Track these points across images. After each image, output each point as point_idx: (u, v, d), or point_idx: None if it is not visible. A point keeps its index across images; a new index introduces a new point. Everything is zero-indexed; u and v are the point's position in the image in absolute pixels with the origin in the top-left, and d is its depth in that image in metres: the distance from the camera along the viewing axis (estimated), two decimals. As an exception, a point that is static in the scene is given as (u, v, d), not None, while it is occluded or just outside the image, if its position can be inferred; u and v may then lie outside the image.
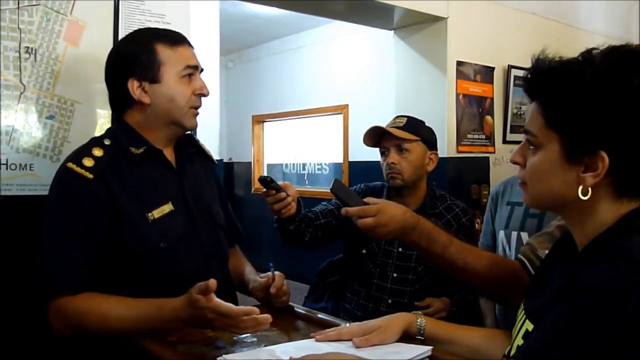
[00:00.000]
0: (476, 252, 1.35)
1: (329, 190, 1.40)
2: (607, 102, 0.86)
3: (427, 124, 2.19)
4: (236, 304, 1.59)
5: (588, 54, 0.91)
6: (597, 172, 0.88)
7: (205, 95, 1.52)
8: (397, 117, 2.18)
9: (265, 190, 1.70)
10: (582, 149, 0.88)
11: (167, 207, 1.45)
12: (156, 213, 1.42)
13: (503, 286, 1.27)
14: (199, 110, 1.53)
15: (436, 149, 2.17)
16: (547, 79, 0.92)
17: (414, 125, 2.11)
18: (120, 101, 1.49)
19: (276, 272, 1.55)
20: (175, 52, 1.47)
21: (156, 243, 1.40)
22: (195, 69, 1.50)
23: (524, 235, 2.03)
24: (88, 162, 1.38)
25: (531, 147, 0.96)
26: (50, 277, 1.34)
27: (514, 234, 2.06)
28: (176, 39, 1.50)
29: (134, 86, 1.44)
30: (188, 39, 1.54)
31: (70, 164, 1.38)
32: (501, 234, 2.13)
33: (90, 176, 1.37)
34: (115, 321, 1.31)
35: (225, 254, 1.64)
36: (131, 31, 1.56)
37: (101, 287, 1.38)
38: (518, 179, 2.25)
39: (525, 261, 1.28)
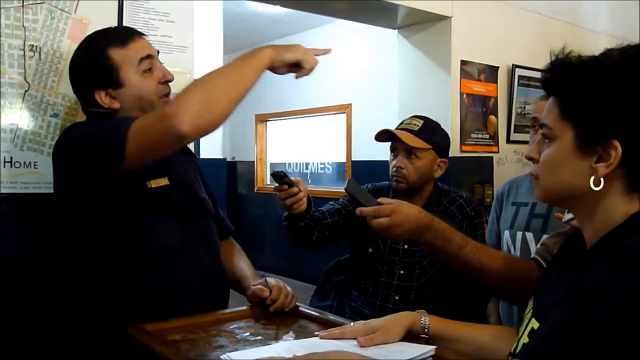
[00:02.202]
0: (491, 252, 1.34)
1: (344, 190, 1.41)
2: (622, 92, 0.87)
3: (442, 128, 2.16)
4: (227, 298, 1.60)
5: (608, 52, 0.92)
6: (609, 162, 0.88)
7: (170, 81, 1.52)
8: (414, 117, 2.13)
9: (277, 185, 1.70)
10: (596, 138, 0.88)
11: (164, 181, 1.46)
12: (153, 183, 1.44)
13: (518, 286, 1.26)
14: (168, 98, 1.52)
15: (447, 156, 2.14)
16: (565, 74, 0.93)
17: (429, 132, 2.07)
18: (94, 109, 1.50)
19: (271, 281, 1.52)
20: (127, 50, 1.47)
21: (151, 207, 1.41)
22: (150, 57, 1.50)
23: (529, 236, 2.02)
24: None
25: (546, 141, 0.96)
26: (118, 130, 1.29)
27: (519, 234, 2.05)
28: (125, 37, 1.50)
29: (101, 96, 1.46)
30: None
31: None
32: (506, 234, 2.12)
33: None
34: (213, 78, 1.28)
35: (213, 240, 1.62)
36: (82, 40, 1.55)
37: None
38: (523, 179, 2.24)
39: (541, 261, 1.27)
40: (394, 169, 2.06)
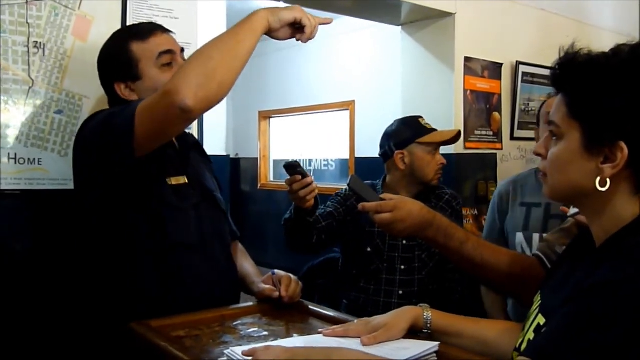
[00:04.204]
0: (493, 248, 1.34)
1: (347, 185, 1.41)
2: (630, 93, 0.86)
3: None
4: (238, 292, 1.62)
5: (617, 48, 0.91)
6: (615, 163, 0.87)
7: None
8: (422, 118, 2.22)
9: (290, 177, 1.69)
10: (602, 139, 0.88)
11: (183, 179, 1.49)
12: (174, 180, 1.47)
13: (520, 282, 1.26)
14: None
15: None
16: (574, 71, 0.93)
17: None
18: (116, 103, 1.52)
19: (280, 273, 1.54)
20: (148, 44, 1.50)
21: (172, 202, 1.44)
22: (171, 52, 1.51)
23: None
24: None
25: (554, 138, 0.96)
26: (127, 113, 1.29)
27: (536, 236, 2.01)
28: (147, 31, 1.52)
29: (121, 89, 1.49)
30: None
31: None
32: (519, 237, 2.08)
33: None
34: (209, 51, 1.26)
35: (226, 238, 1.65)
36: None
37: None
38: (526, 178, 2.23)
39: (543, 257, 1.27)
40: (440, 165, 2.16)
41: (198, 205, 1.52)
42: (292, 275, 1.55)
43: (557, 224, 1.96)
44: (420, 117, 2.22)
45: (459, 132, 2.19)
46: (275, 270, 1.56)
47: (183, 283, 1.44)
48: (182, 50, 1.56)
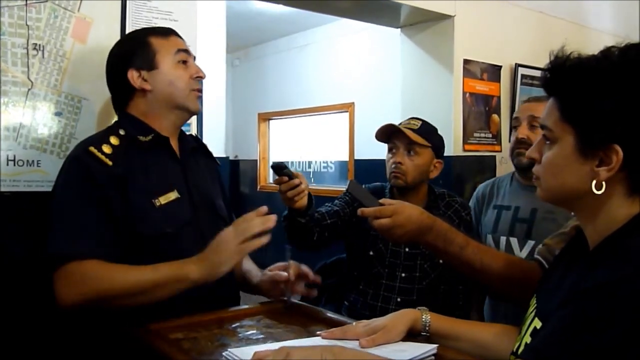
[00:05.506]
0: (492, 252, 1.34)
1: (346, 191, 1.41)
2: (622, 95, 0.86)
3: (439, 132, 2.19)
4: (238, 299, 1.61)
5: (607, 51, 0.91)
6: (611, 166, 0.88)
7: (202, 78, 1.59)
8: (412, 118, 2.17)
9: (277, 177, 1.70)
10: (597, 143, 0.88)
11: (173, 195, 1.49)
12: (162, 199, 1.47)
13: (519, 287, 1.26)
14: (200, 94, 1.59)
15: (442, 158, 2.18)
16: (565, 75, 0.93)
17: (428, 131, 2.12)
18: (122, 95, 1.56)
19: (291, 261, 1.56)
20: (167, 41, 1.56)
21: (162, 228, 1.43)
22: (187, 53, 1.58)
23: (513, 241, 2.01)
24: (107, 149, 1.44)
25: (547, 142, 0.96)
26: (62, 244, 1.36)
27: (503, 238, 2.04)
28: (167, 31, 1.60)
29: (134, 76, 1.51)
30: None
31: (92, 148, 1.43)
32: (489, 238, 2.10)
33: (110, 163, 1.42)
34: (127, 282, 1.33)
35: None
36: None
37: None
38: (503, 180, 2.24)
39: (543, 261, 1.27)
40: (393, 165, 2.07)
41: (192, 220, 1.51)
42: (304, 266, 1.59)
43: (523, 228, 1.97)
44: (414, 118, 2.19)
45: (387, 127, 2.09)
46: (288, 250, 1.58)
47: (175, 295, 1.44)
48: (194, 58, 1.62)
